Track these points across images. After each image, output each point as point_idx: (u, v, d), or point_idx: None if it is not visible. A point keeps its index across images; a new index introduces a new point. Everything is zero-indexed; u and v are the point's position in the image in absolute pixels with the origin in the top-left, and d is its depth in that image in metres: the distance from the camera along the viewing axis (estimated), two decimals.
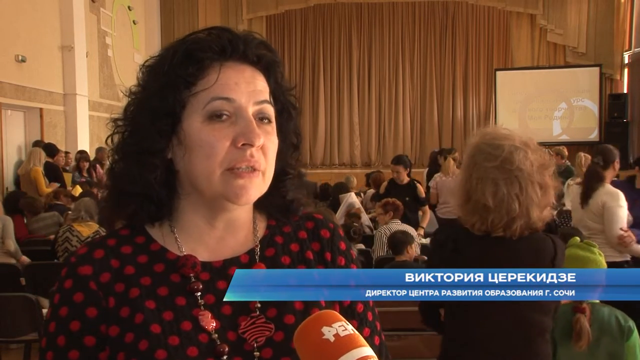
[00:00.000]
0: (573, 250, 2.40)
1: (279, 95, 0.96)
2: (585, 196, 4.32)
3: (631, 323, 2.35)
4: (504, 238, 1.90)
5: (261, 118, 0.91)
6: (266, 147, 0.90)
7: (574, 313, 2.29)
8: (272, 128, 0.93)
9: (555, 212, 5.74)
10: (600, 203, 4.18)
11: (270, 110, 0.93)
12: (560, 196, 4.59)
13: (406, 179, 6.20)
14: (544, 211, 1.92)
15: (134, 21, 13.31)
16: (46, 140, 9.20)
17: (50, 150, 8.61)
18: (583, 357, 2.31)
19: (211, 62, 0.90)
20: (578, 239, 2.48)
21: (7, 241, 5.11)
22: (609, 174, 4.29)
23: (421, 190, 6.25)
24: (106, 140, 0.95)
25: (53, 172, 8.34)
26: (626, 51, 13.67)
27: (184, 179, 0.92)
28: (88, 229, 4.86)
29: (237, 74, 0.91)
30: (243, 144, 0.87)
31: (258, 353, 0.89)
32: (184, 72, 0.89)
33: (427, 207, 6.31)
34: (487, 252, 1.93)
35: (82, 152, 9.37)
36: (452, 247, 1.98)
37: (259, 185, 0.90)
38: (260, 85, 0.92)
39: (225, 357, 0.87)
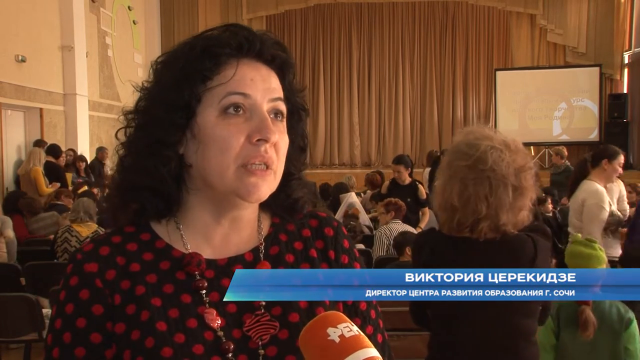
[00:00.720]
0: (575, 247, 2.47)
1: (290, 96, 0.97)
2: (570, 192, 4.32)
3: (631, 314, 2.40)
4: (481, 240, 1.86)
5: (275, 115, 0.91)
6: (279, 145, 0.90)
7: (578, 305, 2.32)
8: (284, 127, 0.93)
9: (557, 210, 5.75)
10: (581, 200, 4.13)
11: (283, 108, 0.93)
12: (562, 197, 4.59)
13: (408, 179, 6.16)
14: (519, 214, 1.86)
15: (134, 21, 13.31)
16: (46, 140, 9.19)
17: (54, 151, 8.62)
18: (585, 345, 2.36)
19: (228, 58, 0.90)
20: (579, 236, 2.55)
21: (7, 231, 5.16)
22: (597, 173, 4.16)
23: (422, 191, 6.19)
24: (116, 134, 0.95)
25: (54, 172, 8.34)
26: (626, 51, 13.68)
27: (196, 174, 0.92)
28: (87, 229, 4.86)
29: (253, 71, 0.91)
30: (258, 140, 0.88)
31: (263, 351, 0.89)
32: (201, 66, 0.89)
33: (427, 209, 6.28)
34: (462, 254, 1.90)
35: (75, 152, 9.36)
36: (429, 251, 1.96)
37: (270, 183, 0.90)
38: (275, 83, 0.93)
39: (230, 355, 0.88)
